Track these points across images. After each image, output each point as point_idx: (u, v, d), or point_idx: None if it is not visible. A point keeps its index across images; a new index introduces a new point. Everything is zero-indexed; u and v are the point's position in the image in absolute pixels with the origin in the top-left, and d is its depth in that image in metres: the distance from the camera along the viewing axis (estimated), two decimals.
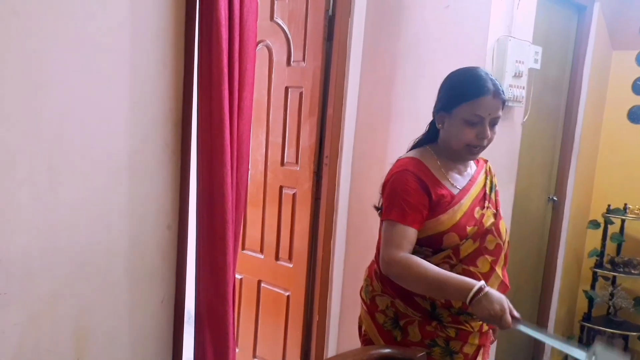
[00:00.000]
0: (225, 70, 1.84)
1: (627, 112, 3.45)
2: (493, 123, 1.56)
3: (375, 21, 2.61)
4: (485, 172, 1.72)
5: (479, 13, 2.29)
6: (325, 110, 2.63)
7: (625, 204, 3.33)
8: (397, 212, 1.53)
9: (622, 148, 3.48)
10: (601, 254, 3.41)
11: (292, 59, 2.68)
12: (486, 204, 1.64)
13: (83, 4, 1.63)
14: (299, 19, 2.62)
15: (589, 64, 3.24)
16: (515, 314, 1.44)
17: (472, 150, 1.58)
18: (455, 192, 1.60)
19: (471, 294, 1.40)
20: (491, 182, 1.71)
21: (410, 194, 1.53)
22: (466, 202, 1.59)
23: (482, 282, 1.43)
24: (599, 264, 3.41)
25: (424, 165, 1.60)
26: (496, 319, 1.40)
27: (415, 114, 2.50)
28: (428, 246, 1.57)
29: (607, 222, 3.37)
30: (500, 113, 1.56)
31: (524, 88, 2.47)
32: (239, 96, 1.93)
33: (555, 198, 3.32)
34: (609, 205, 3.38)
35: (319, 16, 2.55)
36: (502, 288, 1.62)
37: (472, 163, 1.70)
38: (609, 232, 3.39)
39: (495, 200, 1.70)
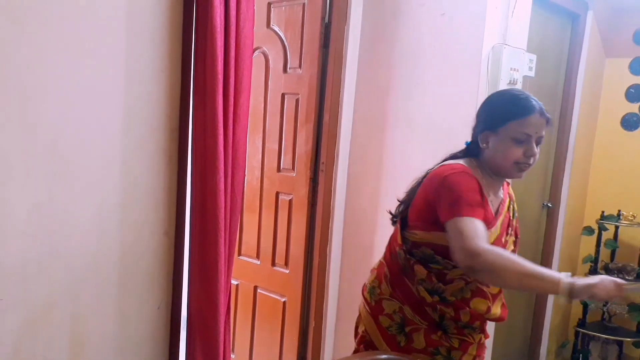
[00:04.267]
0: (220, 77, 1.85)
1: (620, 119, 3.47)
2: (538, 142, 1.55)
3: (371, 28, 2.63)
4: (509, 196, 1.70)
5: (474, 21, 2.31)
6: (322, 117, 2.64)
7: (619, 211, 3.34)
8: (469, 209, 1.45)
9: (615, 155, 3.50)
10: (595, 260, 3.42)
11: (288, 66, 2.69)
12: (510, 231, 1.64)
13: (79, 9, 1.64)
14: (296, 26, 2.63)
15: (582, 71, 3.26)
16: (618, 280, 1.39)
17: (520, 167, 1.56)
18: (493, 212, 1.58)
19: (564, 286, 1.33)
20: (513, 208, 1.70)
21: (475, 193, 1.50)
22: (498, 226, 1.59)
23: (567, 274, 1.36)
24: (593, 270, 3.42)
25: (475, 175, 1.57)
26: (602, 286, 1.35)
27: (410, 121, 2.52)
28: (447, 258, 1.54)
29: (601, 228, 3.38)
30: (544, 132, 1.55)
31: None
32: (235, 102, 1.93)
33: (549, 204, 3.33)
34: (602, 212, 3.40)
35: (316, 23, 2.56)
36: (504, 309, 1.65)
37: (502, 186, 1.68)
38: (603, 239, 3.40)
39: (516, 226, 1.70)
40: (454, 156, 1.67)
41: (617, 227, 3.38)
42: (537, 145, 1.55)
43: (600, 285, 1.35)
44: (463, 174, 1.53)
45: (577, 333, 3.51)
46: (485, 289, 1.59)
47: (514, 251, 1.64)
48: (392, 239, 1.70)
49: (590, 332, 3.41)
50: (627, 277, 3.28)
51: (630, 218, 3.30)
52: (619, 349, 3.43)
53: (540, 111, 1.54)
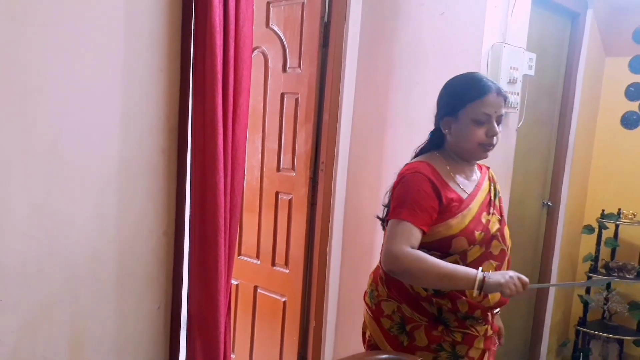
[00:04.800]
0: (219, 76, 1.85)
1: (620, 117, 3.47)
2: (498, 121, 1.60)
3: (371, 27, 2.62)
4: (489, 179, 1.74)
5: (473, 20, 2.31)
6: (321, 116, 2.64)
7: (619, 209, 3.34)
8: (408, 212, 1.53)
9: (615, 153, 3.50)
10: (596, 259, 3.42)
11: (287, 65, 2.69)
12: (491, 210, 1.66)
13: (78, 9, 1.64)
14: (295, 25, 2.63)
15: (582, 70, 3.26)
16: (524, 277, 1.50)
17: (485, 148, 1.61)
18: (464, 196, 1.62)
19: (477, 283, 1.46)
20: (495, 188, 1.73)
21: (422, 196, 1.54)
22: (474, 207, 1.61)
23: (480, 270, 1.49)
24: (593, 269, 3.43)
25: (435, 169, 1.61)
26: (511, 283, 1.46)
27: (410, 120, 2.51)
28: (437, 250, 1.58)
29: (601, 227, 3.38)
30: (503, 111, 1.60)
31: (518, 94, 2.48)
32: (234, 102, 1.93)
33: (550, 203, 3.33)
34: (603, 210, 3.40)
35: (315, 23, 2.56)
36: None
37: (476, 169, 1.72)
38: (603, 237, 3.40)
39: (500, 206, 1.72)
40: (421, 150, 1.74)
41: (617, 226, 3.38)
42: (498, 124, 1.60)
43: (510, 283, 1.46)
44: (417, 174, 1.58)
45: (577, 332, 3.51)
46: None
47: (499, 229, 1.64)
48: (383, 242, 1.72)
49: (590, 331, 3.41)
50: (627, 276, 3.29)
51: (630, 216, 3.30)
52: (619, 348, 3.43)
53: (497, 90, 1.58)
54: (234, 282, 2.85)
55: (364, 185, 2.69)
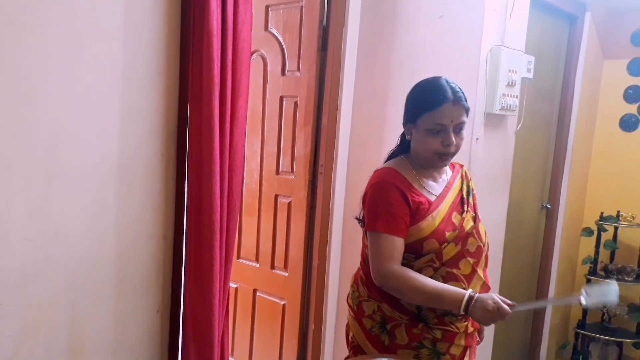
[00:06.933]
0: (217, 79, 1.85)
1: (618, 120, 3.48)
2: (458, 129, 1.59)
3: (369, 31, 2.63)
4: (462, 177, 1.75)
5: (472, 23, 2.32)
6: (320, 120, 2.64)
7: (618, 212, 3.35)
8: (382, 223, 1.56)
9: (614, 156, 3.51)
10: (595, 261, 3.42)
11: (286, 69, 2.70)
12: (465, 208, 1.67)
13: (77, 13, 1.64)
14: (294, 29, 2.64)
15: (580, 73, 3.27)
16: (508, 301, 1.51)
17: (441, 157, 1.61)
18: (432, 199, 1.63)
19: (464, 303, 1.49)
20: (468, 186, 1.74)
21: (392, 204, 1.57)
22: (443, 208, 1.63)
23: (470, 291, 1.52)
24: (592, 271, 3.43)
25: (401, 174, 1.63)
26: (494, 314, 1.48)
27: None
28: (410, 252, 1.60)
29: (600, 229, 3.39)
30: (464, 119, 1.59)
31: (517, 97, 2.49)
32: (232, 106, 1.93)
33: (548, 206, 3.34)
34: (602, 213, 3.40)
35: (313, 26, 2.56)
36: (484, 288, 1.66)
37: (447, 169, 1.73)
38: (602, 240, 3.41)
39: (474, 203, 1.73)
40: (392, 154, 1.77)
41: (616, 228, 3.39)
42: (458, 132, 1.59)
43: (491, 315, 1.48)
44: (384, 184, 1.61)
45: (577, 334, 3.51)
46: (455, 271, 1.60)
47: (474, 227, 1.65)
48: (362, 242, 1.75)
49: (590, 334, 3.41)
50: (626, 278, 3.29)
51: (629, 219, 3.31)
52: (619, 350, 3.43)
53: (454, 100, 1.56)
54: (232, 285, 2.86)
55: (363, 188, 2.68)
